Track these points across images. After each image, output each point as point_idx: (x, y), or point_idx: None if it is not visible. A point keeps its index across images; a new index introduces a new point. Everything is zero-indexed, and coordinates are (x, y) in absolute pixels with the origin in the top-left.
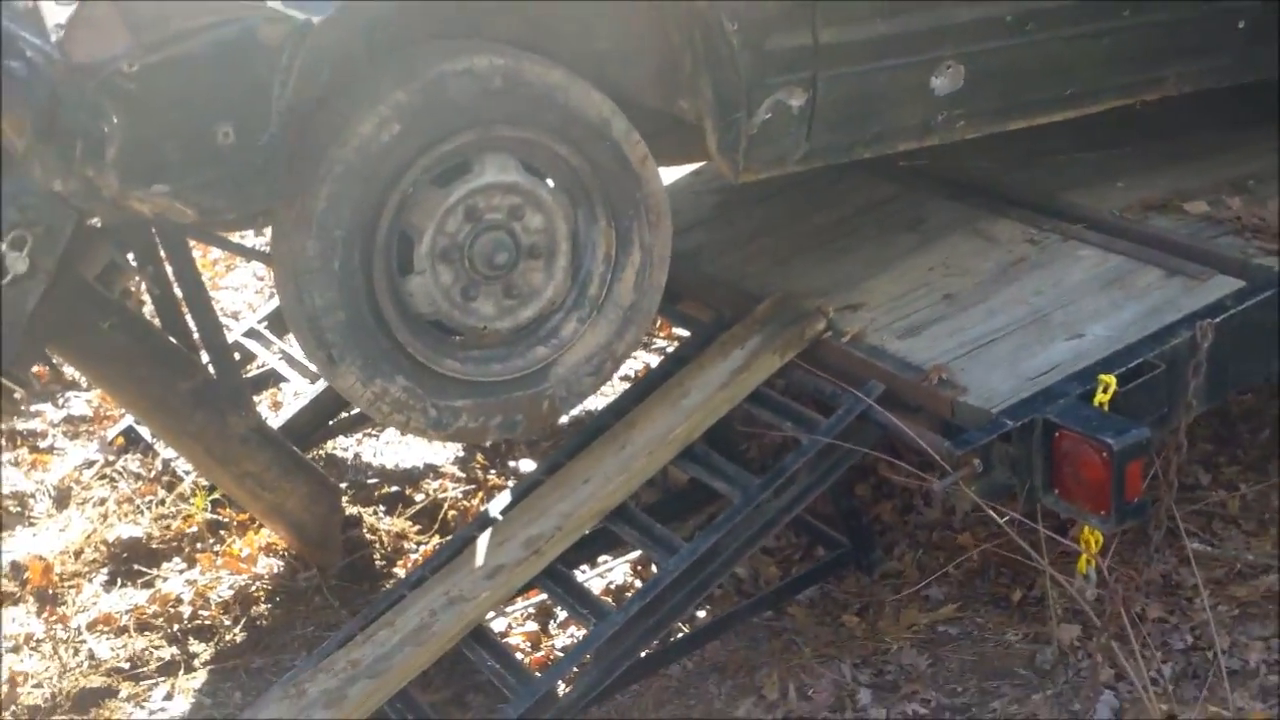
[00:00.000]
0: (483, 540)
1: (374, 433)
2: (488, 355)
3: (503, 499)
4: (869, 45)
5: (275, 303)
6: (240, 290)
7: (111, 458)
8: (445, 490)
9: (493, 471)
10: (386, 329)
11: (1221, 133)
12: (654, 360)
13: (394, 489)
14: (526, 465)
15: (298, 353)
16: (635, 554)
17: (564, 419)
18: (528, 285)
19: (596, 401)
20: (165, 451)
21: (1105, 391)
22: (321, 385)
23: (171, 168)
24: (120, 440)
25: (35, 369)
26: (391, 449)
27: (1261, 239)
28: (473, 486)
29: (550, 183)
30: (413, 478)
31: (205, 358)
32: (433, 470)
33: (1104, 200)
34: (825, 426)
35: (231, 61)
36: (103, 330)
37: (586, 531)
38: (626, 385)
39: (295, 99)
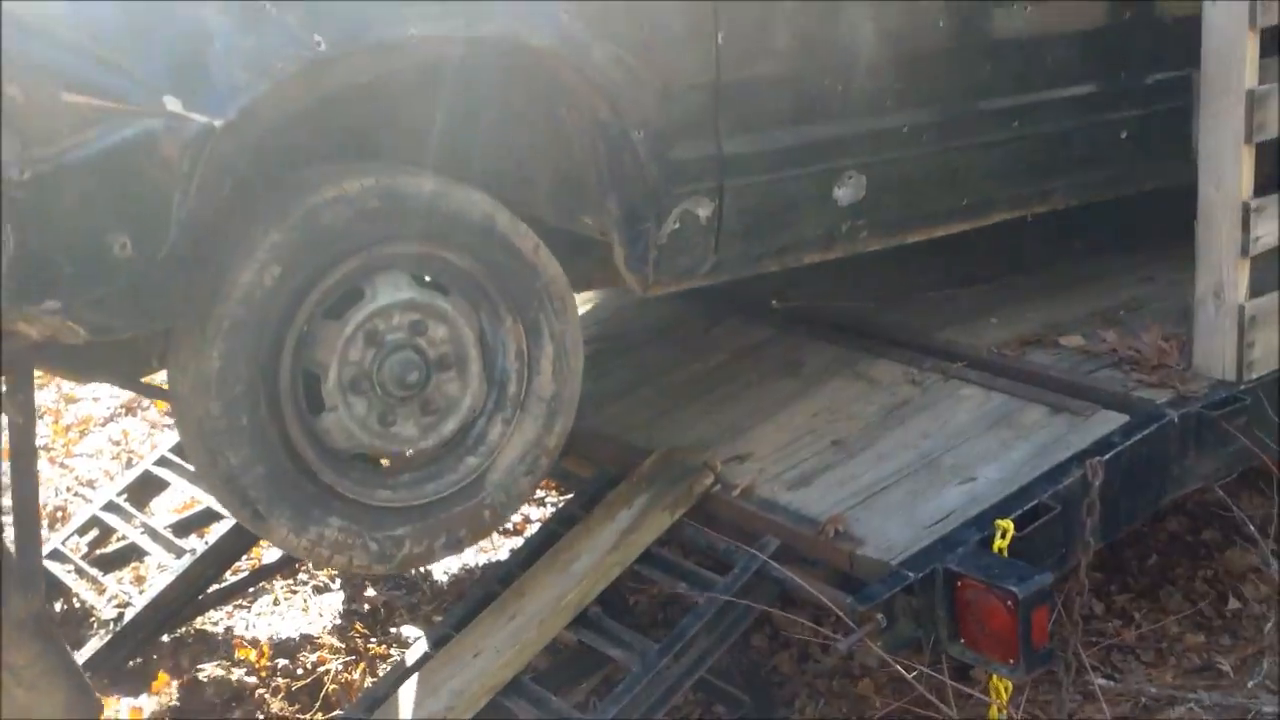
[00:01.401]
0: None
1: (245, 604)
2: (419, 477)
3: (388, 676)
4: (772, 155)
5: (134, 473)
6: (96, 457)
7: None
8: (325, 663)
9: (373, 640)
10: (310, 473)
11: (1086, 264)
12: (536, 514)
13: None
14: (409, 631)
15: (159, 524)
16: None
17: (444, 578)
18: (444, 398)
19: (479, 559)
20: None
21: (1003, 536)
22: (188, 560)
23: (64, 282)
24: None
25: None
26: (264, 620)
27: (1139, 371)
28: (353, 657)
29: (447, 292)
30: (289, 650)
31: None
32: (310, 641)
33: (980, 337)
34: (722, 585)
35: (128, 168)
36: None
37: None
38: (514, 541)
39: (196, 209)
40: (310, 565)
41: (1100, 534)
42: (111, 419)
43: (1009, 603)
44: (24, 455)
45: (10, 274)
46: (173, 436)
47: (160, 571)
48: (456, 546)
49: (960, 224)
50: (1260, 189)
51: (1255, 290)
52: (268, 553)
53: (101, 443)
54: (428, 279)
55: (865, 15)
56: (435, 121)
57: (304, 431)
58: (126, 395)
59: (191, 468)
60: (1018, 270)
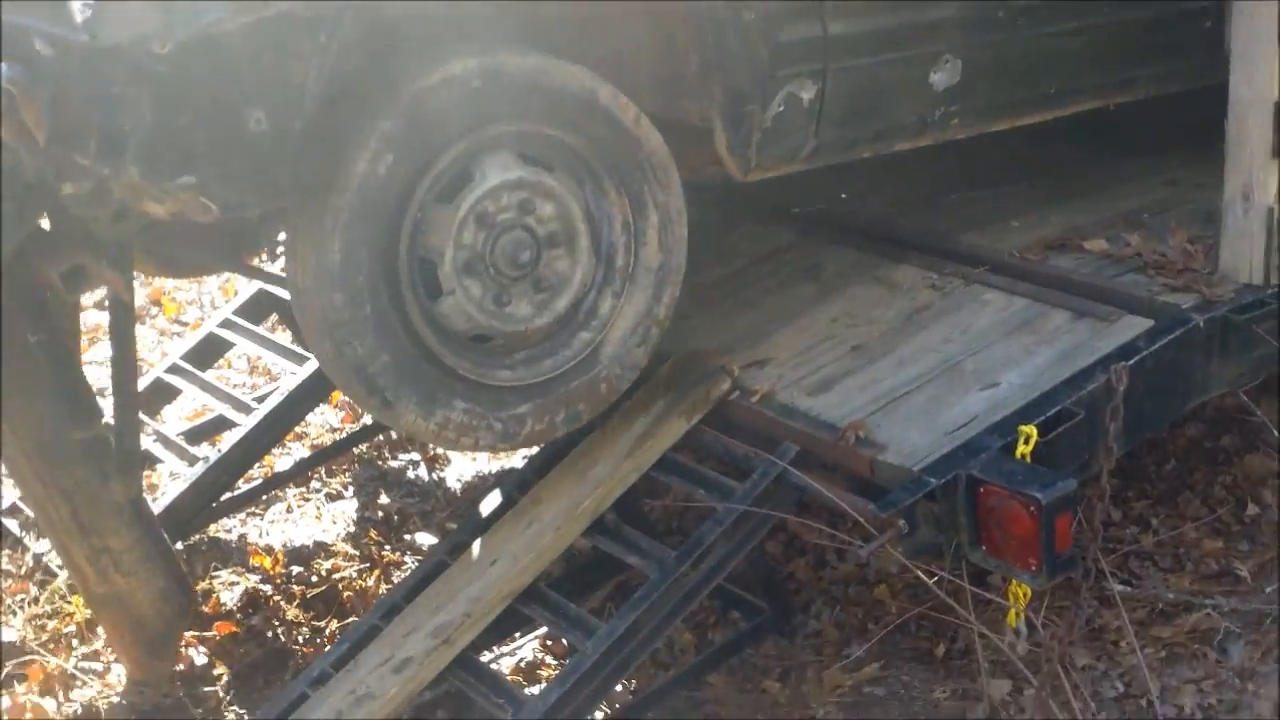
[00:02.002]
0: (388, 630)
1: (258, 512)
2: (535, 354)
3: (405, 582)
4: (874, 37)
5: (145, 380)
6: (105, 365)
7: None
8: (339, 570)
9: (388, 548)
10: (433, 357)
11: (1108, 167)
12: None
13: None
14: (424, 539)
15: (170, 432)
16: (544, 630)
17: (457, 485)
18: (555, 275)
19: (492, 465)
20: (36, 546)
21: (1026, 443)
22: (200, 468)
23: (198, 158)
24: None
25: None
26: (278, 528)
27: (1164, 275)
28: (367, 565)
29: (552, 168)
30: (303, 557)
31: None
32: (323, 549)
33: (1002, 241)
34: (740, 493)
35: (268, 41)
36: (25, 343)
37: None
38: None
39: (328, 85)
40: (436, 447)
41: (1123, 440)
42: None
43: (1032, 509)
44: (123, 340)
45: (147, 148)
46: (182, 344)
47: (173, 479)
48: (576, 420)
49: (1046, 112)
50: None
51: None
52: (280, 460)
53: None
54: (532, 156)
55: None
56: (540, 7)
57: (424, 317)
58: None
59: (199, 372)
60: (1039, 173)
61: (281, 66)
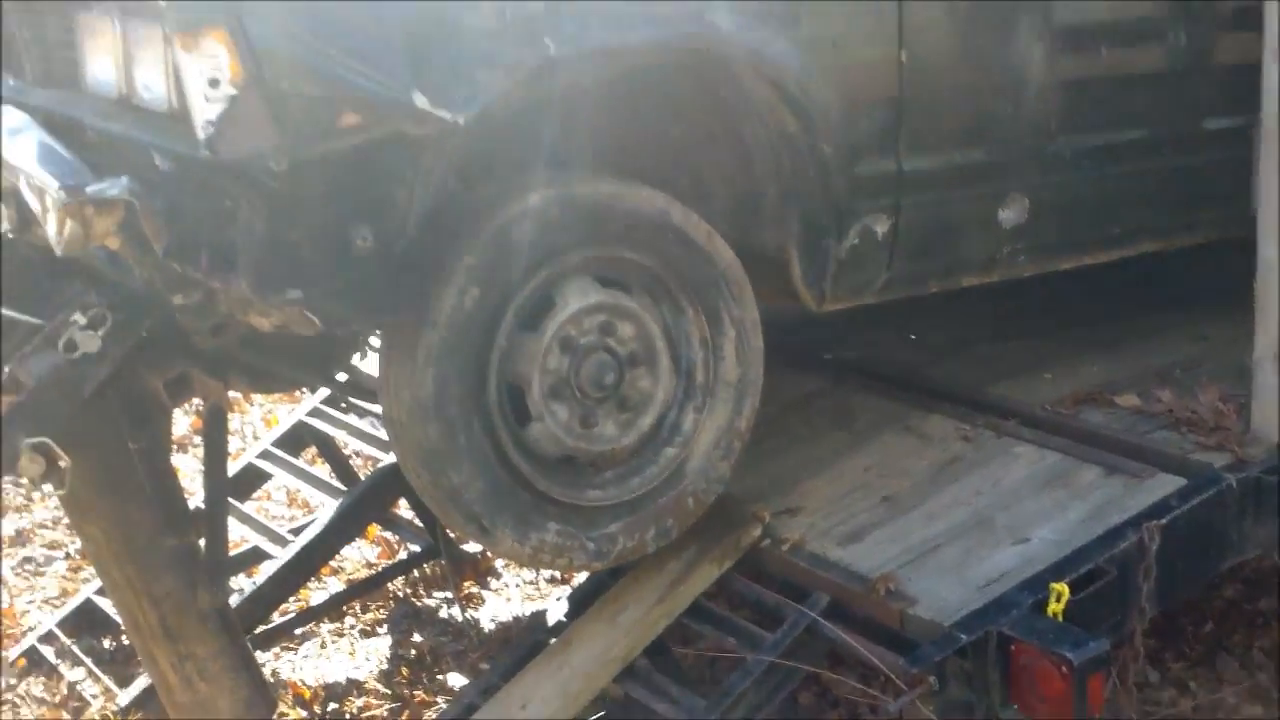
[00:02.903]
0: None
1: (292, 647)
2: (623, 473)
3: None
4: (946, 174)
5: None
6: None
7: (12, 681)
8: (370, 709)
9: (420, 687)
10: (525, 482)
11: (1139, 320)
12: None
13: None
14: (455, 680)
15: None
16: None
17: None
18: (639, 393)
19: (525, 607)
20: (70, 673)
21: (1058, 600)
22: (235, 600)
23: (306, 273)
24: (22, 661)
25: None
26: (310, 663)
27: (1196, 433)
28: (399, 704)
29: (630, 289)
30: (335, 694)
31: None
32: (356, 686)
33: (1034, 393)
34: (770, 643)
35: (376, 161)
36: (125, 450)
37: None
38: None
39: (430, 204)
40: (524, 566)
41: (1157, 600)
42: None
43: (1064, 669)
44: (216, 450)
45: (257, 262)
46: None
47: None
48: (666, 536)
49: (1112, 252)
50: None
51: None
52: (315, 594)
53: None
54: (610, 278)
55: (1037, 42)
56: (622, 131)
57: (514, 443)
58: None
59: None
60: (1071, 325)
61: (388, 187)
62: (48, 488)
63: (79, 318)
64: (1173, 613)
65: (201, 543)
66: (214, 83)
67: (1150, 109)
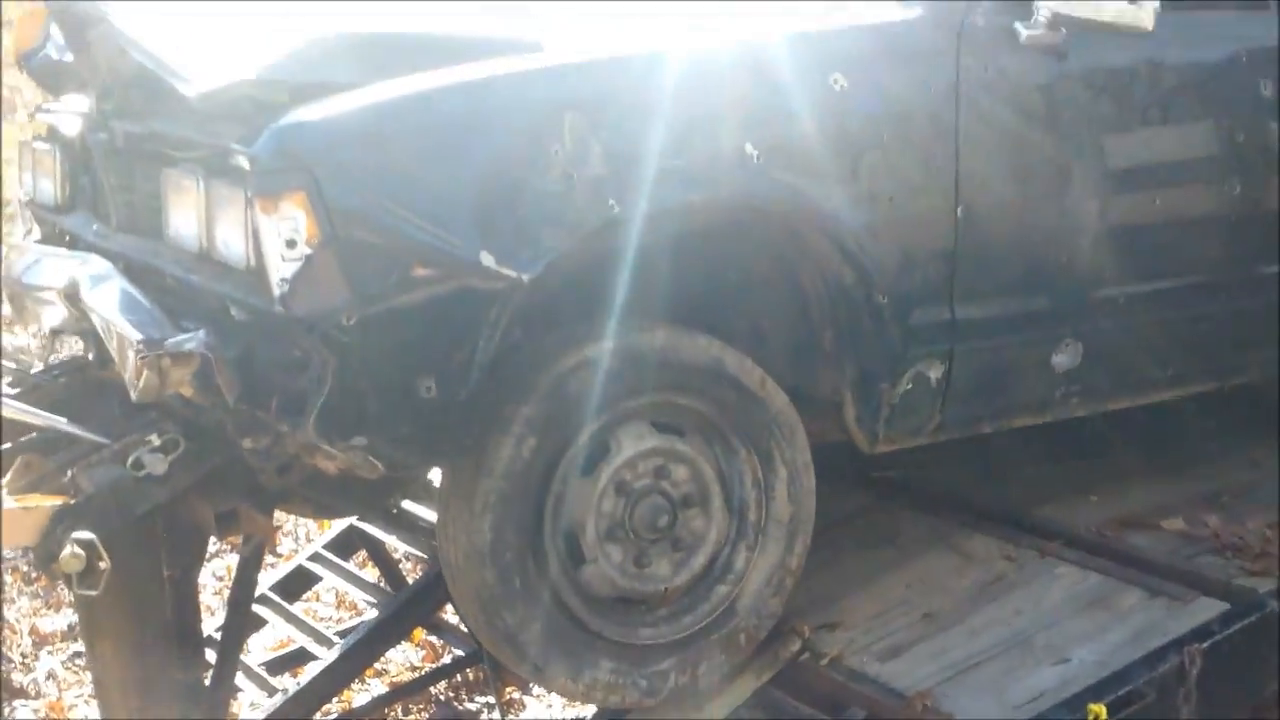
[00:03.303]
0: None
1: None
2: (676, 611)
3: None
4: (999, 321)
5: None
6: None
7: None
8: None
9: None
10: (578, 622)
11: (1189, 446)
12: None
13: None
14: None
15: (253, 662)
16: None
17: None
18: (691, 534)
19: (570, 713)
20: None
21: None
22: (279, 699)
23: (371, 420)
24: None
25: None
26: None
27: (1242, 558)
28: None
29: (683, 433)
30: None
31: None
32: None
33: (1078, 515)
34: None
35: (444, 316)
36: (160, 577)
37: None
38: None
39: (496, 354)
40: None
41: None
42: (216, 554)
43: None
44: (246, 587)
45: (326, 411)
46: (271, 576)
47: (252, 709)
48: (718, 672)
49: (1163, 393)
50: None
51: None
52: (359, 696)
53: (205, 578)
54: (664, 424)
55: (1090, 189)
56: (681, 281)
57: (569, 584)
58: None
59: (286, 604)
60: (1118, 448)
61: (453, 339)
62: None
63: (154, 439)
64: None
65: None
66: (291, 243)
67: (1202, 254)
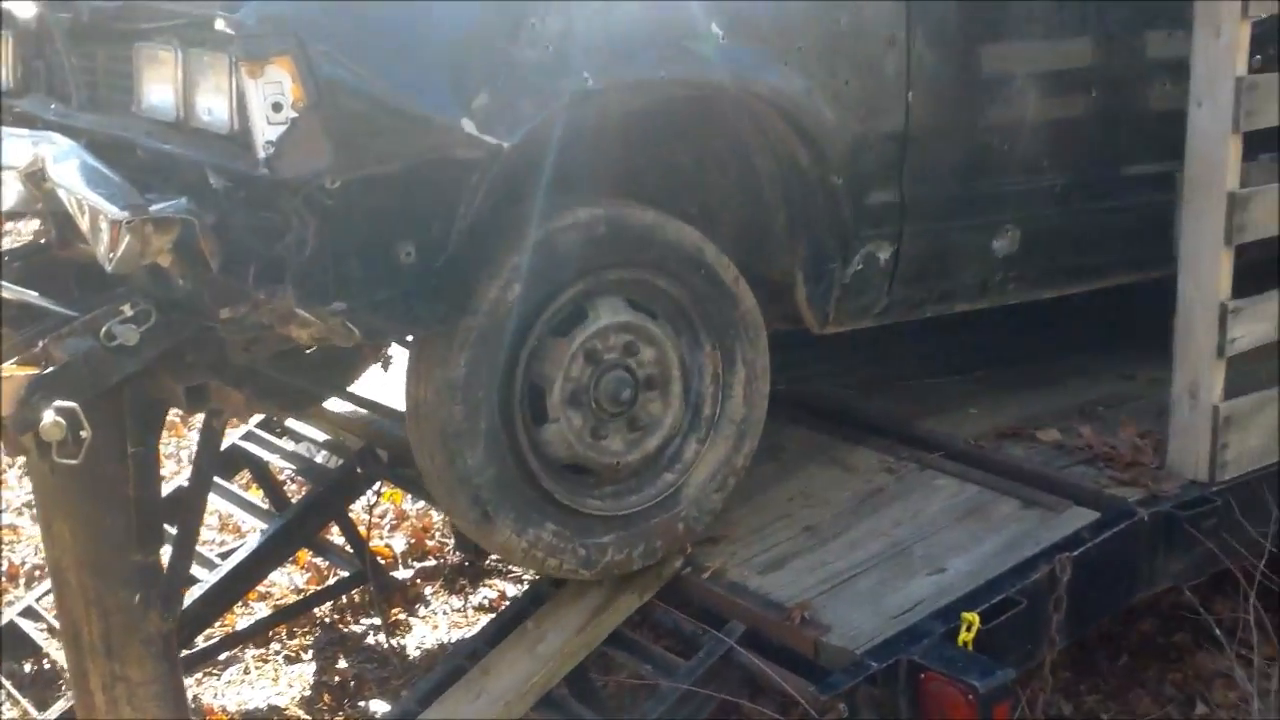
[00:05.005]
0: None
1: (215, 672)
2: (622, 489)
3: None
4: (945, 205)
5: None
6: None
7: None
8: None
9: (341, 714)
10: (532, 479)
11: (1067, 358)
12: (513, 590)
13: None
14: (377, 706)
15: None
16: None
17: (416, 653)
18: (649, 416)
19: (452, 634)
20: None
21: (969, 630)
22: None
23: (351, 286)
24: None
25: None
26: (233, 689)
27: (1113, 468)
28: None
29: (656, 316)
30: None
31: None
32: (277, 713)
33: (958, 428)
34: (684, 671)
35: (425, 181)
36: (123, 453)
37: None
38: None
39: (472, 222)
40: (514, 564)
41: (1067, 631)
42: None
43: (970, 697)
44: (205, 468)
45: (306, 275)
46: None
47: None
48: (652, 556)
49: (1090, 282)
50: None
51: (1231, 391)
52: (241, 619)
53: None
54: (639, 304)
55: (1031, 87)
56: (637, 159)
57: (528, 440)
58: None
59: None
60: (1000, 362)
61: (434, 204)
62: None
63: (126, 309)
64: (1089, 646)
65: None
66: (277, 106)
67: (1128, 150)
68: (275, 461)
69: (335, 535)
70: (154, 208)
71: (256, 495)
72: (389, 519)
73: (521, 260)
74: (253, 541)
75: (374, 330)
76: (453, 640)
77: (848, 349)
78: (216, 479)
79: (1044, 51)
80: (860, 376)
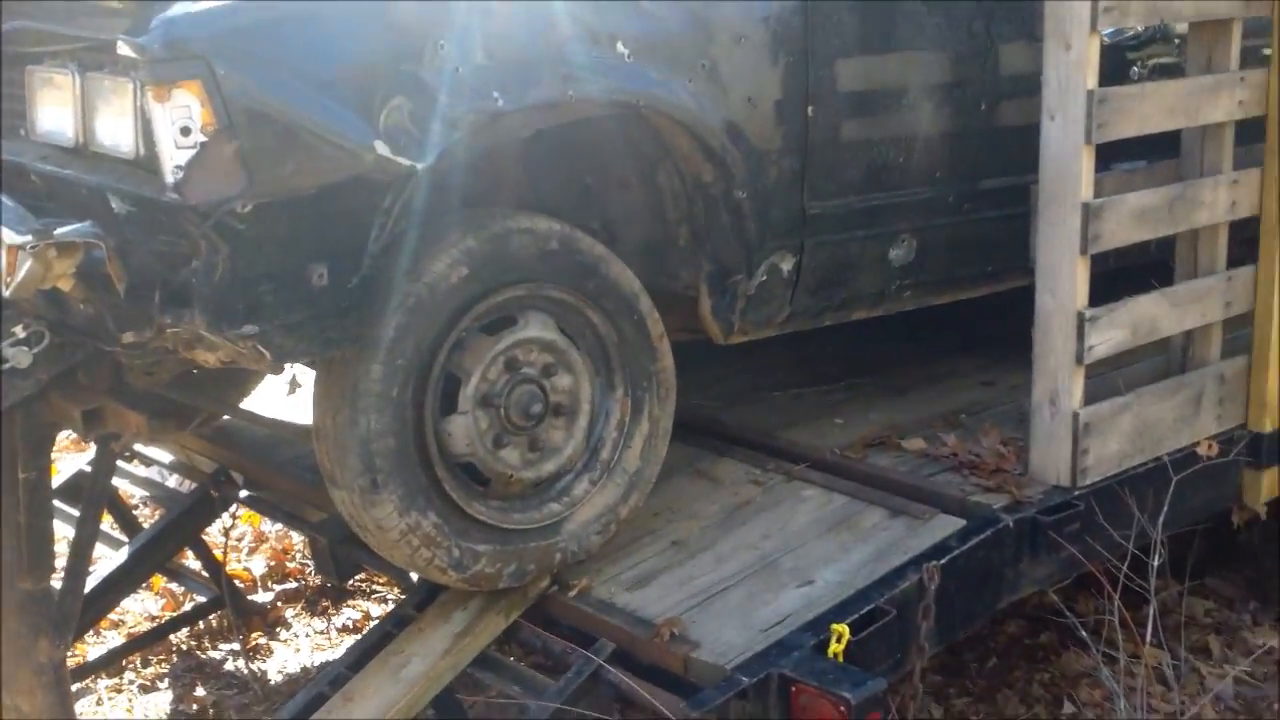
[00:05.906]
0: None
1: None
2: (508, 505)
3: None
4: (844, 217)
5: None
6: None
7: None
8: None
9: None
10: (427, 463)
11: (929, 366)
12: (376, 609)
13: None
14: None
15: None
16: None
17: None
18: (550, 442)
19: (315, 658)
20: None
21: (839, 641)
22: None
23: (262, 309)
24: None
25: None
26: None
27: (978, 476)
28: None
29: (579, 349)
30: None
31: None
32: None
33: (824, 438)
34: (553, 690)
35: (338, 204)
36: (14, 479)
37: None
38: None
39: (386, 243)
40: (381, 548)
41: (936, 638)
42: None
43: (842, 708)
44: (98, 495)
45: (216, 300)
46: None
47: None
48: (521, 578)
49: (985, 287)
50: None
51: (1089, 398)
52: (93, 649)
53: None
54: (567, 332)
55: (925, 99)
56: (541, 177)
57: (433, 426)
58: None
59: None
60: (863, 371)
61: (347, 226)
62: None
63: (18, 331)
64: (957, 649)
65: None
66: (185, 130)
67: (1019, 158)
68: (124, 486)
69: (191, 560)
70: (58, 231)
71: (106, 521)
72: (247, 541)
73: (474, 246)
74: (102, 569)
75: (286, 353)
76: (316, 664)
77: (711, 361)
78: (62, 505)
79: (936, 64)
80: (724, 388)
